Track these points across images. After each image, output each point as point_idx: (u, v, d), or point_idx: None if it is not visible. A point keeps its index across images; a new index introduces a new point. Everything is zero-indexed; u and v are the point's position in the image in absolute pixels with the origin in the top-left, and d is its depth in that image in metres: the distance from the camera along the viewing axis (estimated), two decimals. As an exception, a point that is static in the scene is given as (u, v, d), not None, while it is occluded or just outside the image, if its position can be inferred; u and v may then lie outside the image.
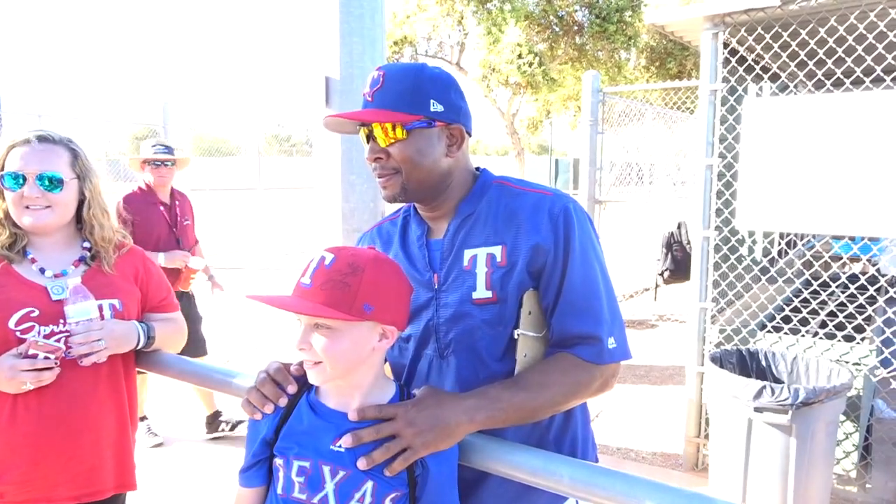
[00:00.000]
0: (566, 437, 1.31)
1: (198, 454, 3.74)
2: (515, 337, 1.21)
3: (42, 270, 1.61)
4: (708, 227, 3.31)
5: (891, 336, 3.20)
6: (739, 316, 3.35)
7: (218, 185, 16.13)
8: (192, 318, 3.69)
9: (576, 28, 16.21)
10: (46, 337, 1.55)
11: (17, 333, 1.52)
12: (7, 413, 1.53)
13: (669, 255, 6.36)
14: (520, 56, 14.70)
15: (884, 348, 3.00)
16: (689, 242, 6.40)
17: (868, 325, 3.37)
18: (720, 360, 2.97)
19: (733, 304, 3.49)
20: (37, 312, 1.55)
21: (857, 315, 3.09)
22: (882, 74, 2.98)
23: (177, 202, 3.88)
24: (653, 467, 3.54)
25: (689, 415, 3.50)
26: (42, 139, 1.60)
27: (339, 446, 1.10)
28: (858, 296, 3.14)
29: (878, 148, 2.75)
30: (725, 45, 3.28)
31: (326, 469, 1.11)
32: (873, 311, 3.29)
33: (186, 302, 3.75)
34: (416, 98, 1.20)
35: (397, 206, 1.41)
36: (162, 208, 3.76)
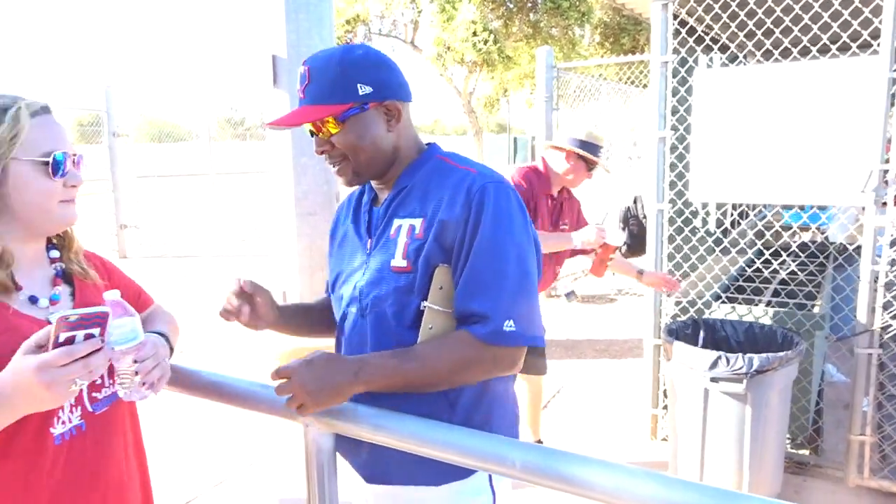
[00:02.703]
0: (476, 417, 1.30)
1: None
2: (422, 309, 1.25)
3: (33, 299, 1.17)
4: (662, 199, 3.31)
5: (840, 302, 3.28)
6: (695, 287, 3.39)
7: (169, 171, 15.68)
8: None
9: (530, 5, 16.13)
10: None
11: None
12: (21, 478, 1.11)
13: (626, 230, 6.41)
14: (474, 34, 14.60)
15: (833, 314, 3.06)
16: (645, 217, 6.46)
17: (819, 292, 3.44)
18: (676, 332, 2.99)
19: (688, 276, 3.52)
20: None
21: (807, 283, 3.14)
22: (828, 43, 3.00)
23: None
24: (614, 440, 3.57)
25: (647, 387, 3.54)
26: (49, 109, 1.20)
27: None
28: (809, 264, 3.19)
29: (826, 117, 2.77)
30: (675, 17, 3.26)
31: None
32: (823, 278, 3.35)
33: None
34: (343, 86, 1.24)
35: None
36: None
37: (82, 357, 0.95)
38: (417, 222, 1.27)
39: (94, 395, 1.19)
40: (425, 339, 1.25)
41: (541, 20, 16.14)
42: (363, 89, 1.24)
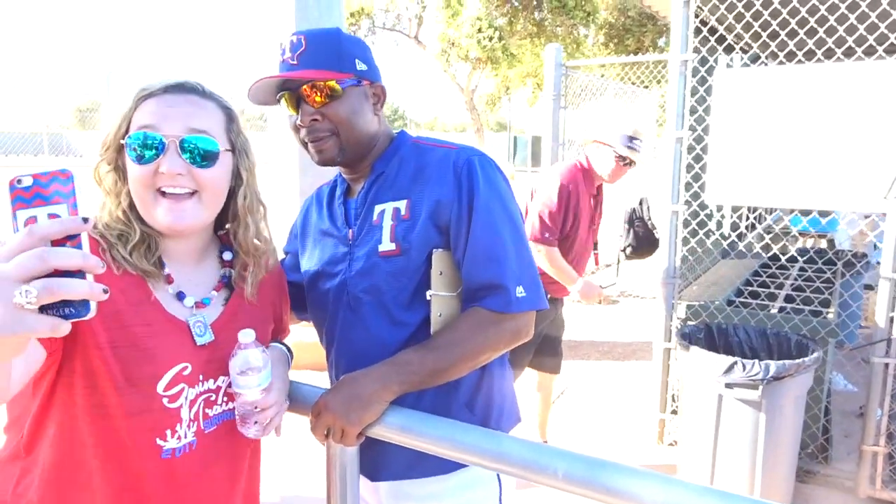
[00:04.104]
0: (478, 400, 1.30)
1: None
2: (428, 298, 1.23)
3: (180, 295, 1.07)
4: (677, 201, 3.25)
5: (856, 310, 3.23)
6: (707, 291, 3.33)
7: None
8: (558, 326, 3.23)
9: (535, 3, 16.06)
10: (193, 403, 1.05)
11: (166, 401, 1.01)
12: (118, 488, 1.00)
13: (631, 232, 6.37)
14: (479, 30, 14.52)
15: (849, 322, 3.02)
16: (650, 219, 6.41)
17: (834, 299, 3.39)
18: (689, 336, 2.94)
19: (701, 279, 3.47)
20: (189, 369, 1.04)
21: (823, 290, 3.09)
22: (854, 46, 2.94)
23: None
24: (620, 443, 3.52)
25: (656, 390, 3.48)
26: (184, 88, 1.05)
27: None
28: (826, 270, 3.14)
29: (849, 121, 2.72)
30: (696, 16, 3.20)
31: None
32: (840, 285, 3.31)
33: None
34: (343, 57, 1.21)
35: None
36: None
37: (36, 249, 0.64)
38: (402, 204, 1.24)
39: (206, 411, 1.07)
40: (439, 328, 1.23)
41: (546, 19, 16.08)
42: (360, 65, 1.24)
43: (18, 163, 12.31)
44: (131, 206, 1.04)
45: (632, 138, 2.91)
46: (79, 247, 0.66)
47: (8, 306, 0.61)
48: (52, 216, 0.66)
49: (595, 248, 2.95)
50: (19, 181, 0.66)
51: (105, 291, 0.66)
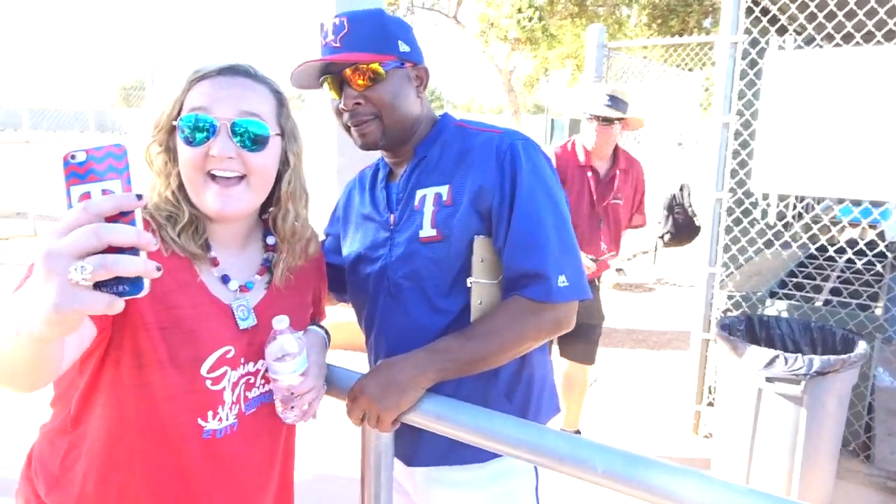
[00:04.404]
0: (517, 389, 1.28)
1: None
2: (469, 285, 1.21)
3: (225, 279, 1.08)
4: (721, 188, 3.16)
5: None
6: (749, 282, 3.24)
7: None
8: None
9: (577, -18, 15.71)
10: (236, 385, 1.06)
11: (209, 383, 1.02)
12: (159, 467, 1.02)
13: (671, 218, 6.21)
14: (519, 10, 14.28)
15: (899, 316, 2.90)
16: (691, 205, 6.26)
17: (883, 293, 3.27)
18: (729, 327, 2.87)
19: (743, 269, 3.38)
20: (232, 352, 1.05)
21: (873, 283, 2.98)
22: (916, 28, 2.80)
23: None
24: (654, 433, 3.47)
25: (692, 381, 3.42)
26: (237, 70, 1.04)
27: None
28: (876, 263, 3.02)
29: (908, 107, 2.59)
30: (747, -5, 3.08)
31: None
32: (890, 280, 3.18)
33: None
34: (386, 39, 1.19)
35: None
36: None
37: (90, 224, 0.62)
38: (444, 189, 1.23)
39: (246, 394, 1.09)
40: (479, 316, 1.21)
41: (588, -2, 15.72)
42: (402, 46, 1.22)
43: (66, 139, 12.65)
44: (180, 187, 1.04)
45: (611, 97, 2.88)
46: (132, 223, 0.65)
47: (63, 283, 0.61)
48: (105, 192, 0.65)
49: (617, 233, 2.83)
50: (73, 157, 0.65)
51: (158, 269, 0.65)
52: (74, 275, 0.60)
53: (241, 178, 1.02)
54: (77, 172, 0.65)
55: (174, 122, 1.02)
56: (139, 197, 0.65)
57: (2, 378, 0.77)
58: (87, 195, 0.65)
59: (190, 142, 0.99)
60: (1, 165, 10.01)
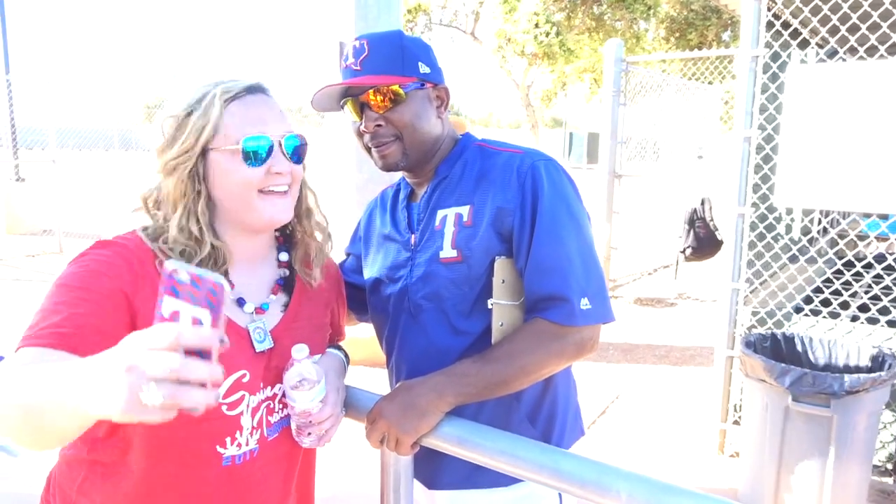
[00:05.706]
0: (541, 412, 1.26)
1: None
2: (489, 306, 1.19)
3: (240, 301, 1.07)
4: (744, 203, 3.12)
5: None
6: (774, 298, 3.18)
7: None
8: None
9: (594, -3, 15.77)
10: (256, 410, 1.05)
11: (224, 409, 1.00)
12: (176, 493, 1.02)
13: (692, 232, 6.16)
14: (536, 25, 14.36)
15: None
16: (712, 219, 6.20)
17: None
18: (754, 345, 2.81)
19: (767, 285, 3.32)
20: (248, 376, 1.03)
21: (903, 299, 2.91)
22: (942, 40, 2.75)
23: None
24: (678, 452, 3.41)
25: (717, 400, 3.35)
26: (261, 89, 1.06)
27: None
28: (905, 278, 2.95)
29: (936, 120, 2.54)
30: (768, 9, 3.05)
31: None
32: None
33: None
34: (405, 61, 1.20)
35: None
36: None
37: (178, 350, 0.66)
38: (465, 210, 1.21)
39: (268, 418, 1.08)
40: (500, 338, 1.18)
41: (605, 13, 15.77)
42: (423, 68, 1.22)
43: (92, 157, 12.90)
44: (203, 208, 1.02)
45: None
46: (209, 356, 0.69)
47: (135, 397, 0.64)
48: (195, 319, 0.69)
49: None
50: (176, 272, 0.68)
51: (216, 399, 0.69)
52: (146, 397, 0.65)
53: (285, 189, 1.07)
54: (175, 287, 0.69)
55: (233, 147, 1.00)
56: (222, 341, 0.69)
57: (23, 435, 0.78)
58: (176, 312, 0.69)
59: (253, 161, 1.01)
60: (28, 183, 10.25)
